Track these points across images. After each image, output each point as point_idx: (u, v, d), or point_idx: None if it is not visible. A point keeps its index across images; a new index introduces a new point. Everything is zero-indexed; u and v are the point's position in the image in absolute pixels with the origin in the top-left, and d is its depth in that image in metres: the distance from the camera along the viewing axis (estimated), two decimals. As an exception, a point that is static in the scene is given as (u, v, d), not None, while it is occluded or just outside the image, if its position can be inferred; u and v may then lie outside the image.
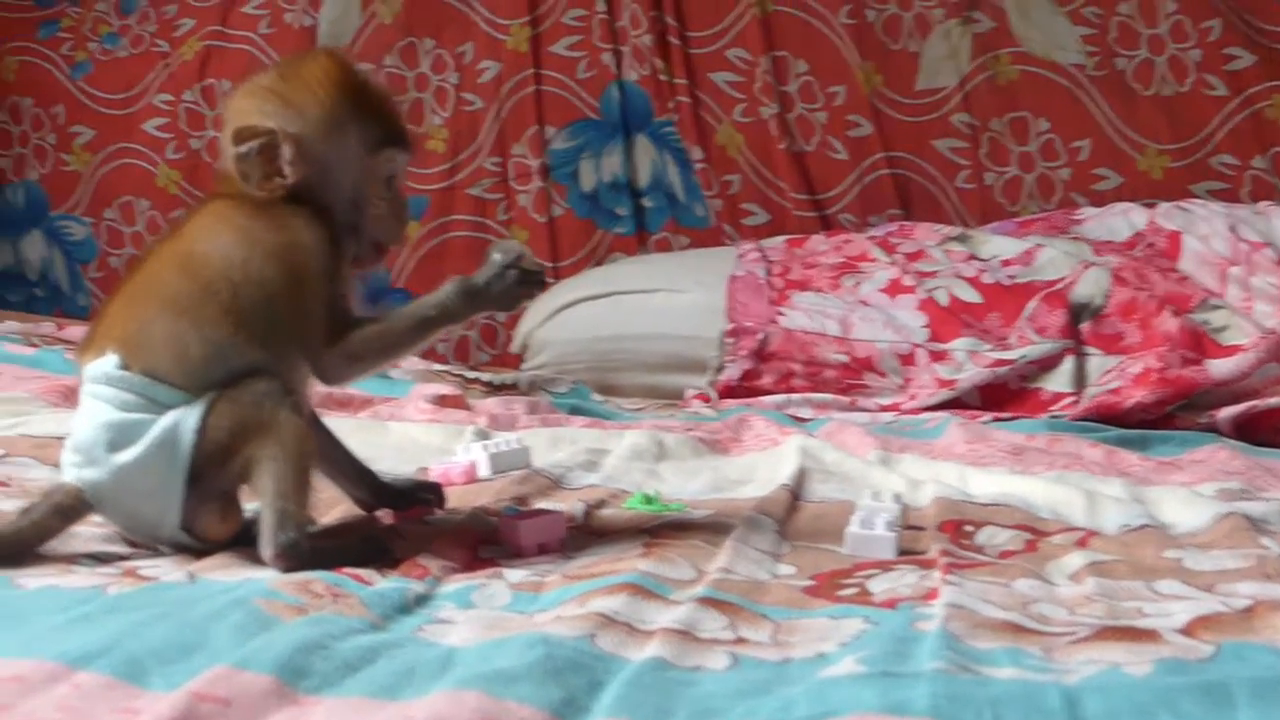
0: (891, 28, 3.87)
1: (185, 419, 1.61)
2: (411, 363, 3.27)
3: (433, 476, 2.13)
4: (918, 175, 3.85)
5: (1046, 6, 3.79)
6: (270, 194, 1.67)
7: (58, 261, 4.32)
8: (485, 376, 3.21)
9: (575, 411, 2.90)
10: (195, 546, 1.65)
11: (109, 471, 1.62)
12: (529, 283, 1.72)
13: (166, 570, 1.58)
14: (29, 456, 2.13)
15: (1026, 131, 3.80)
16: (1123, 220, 3.46)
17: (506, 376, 3.24)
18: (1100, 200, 3.68)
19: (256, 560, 1.61)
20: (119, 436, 1.61)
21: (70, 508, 1.64)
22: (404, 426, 2.56)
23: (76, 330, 3.57)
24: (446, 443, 2.41)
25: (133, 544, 1.69)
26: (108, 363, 1.64)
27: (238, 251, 1.64)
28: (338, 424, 2.40)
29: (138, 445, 1.61)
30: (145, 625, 1.34)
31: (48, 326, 3.69)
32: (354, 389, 2.83)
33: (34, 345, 3.24)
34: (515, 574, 1.61)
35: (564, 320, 3.52)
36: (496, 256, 1.70)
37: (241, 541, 1.66)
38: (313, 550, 1.59)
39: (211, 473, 1.62)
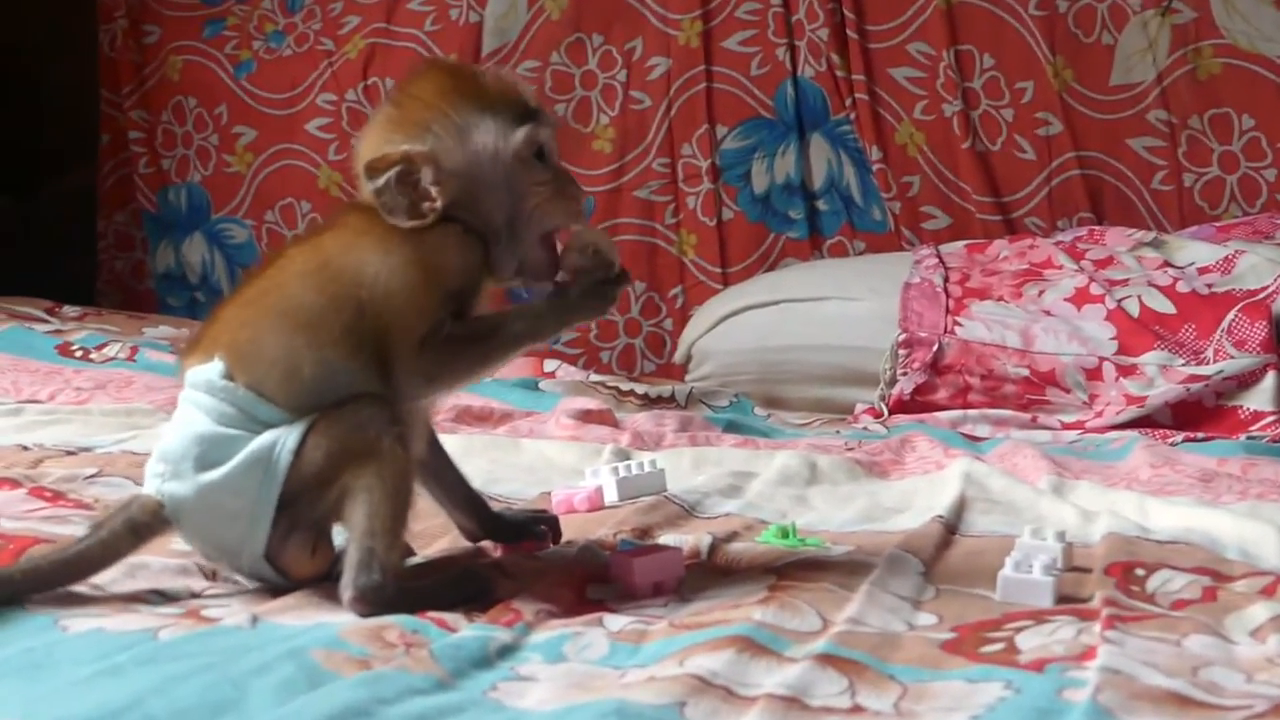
0: (1084, 19, 3.68)
1: (284, 439, 1.48)
2: (566, 371, 3.15)
3: (555, 502, 2.00)
4: (1111, 176, 3.66)
5: (1253, -6, 3.56)
6: (423, 221, 1.54)
7: (219, 265, 4.25)
8: (641, 388, 3.07)
9: (731, 427, 2.75)
10: (276, 582, 1.52)
11: (194, 488, 1.49)
12: (618, 283, 1.59)
13: (233, 611, 1.44)
14: (124, 476, 2.03)
15: (1229, 129, 3.58)
16: (1333, 224, 3.25)
17: (664, 389, 3.09)
18: (1310, 203, 3.47)
19: (336, 600, 1.46)
20: (210, 451, 1.49)
21: (145, 525, 1.51)
22: (539, 444, 2.42)
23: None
24: (582, 462, 2.28)
25: (209, 574, 1.56)
26: (212, 369, 1.51)
27: (372, 264, 1.52)
28: (469, 441, 2.33)
29: (229, 463, 1.48)
30: (179, 680, 1.22)
31: (201, 331, 3.60)
32: (495, 401, 2.72)
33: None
34: (618, 621, 1.45)
35: (730, 329, 3.38)
36: (578, 259, 1.57)
37: (329, 578, 1.52)
38: (398, 594, 1.45)
39: (305, 501, 1.49)
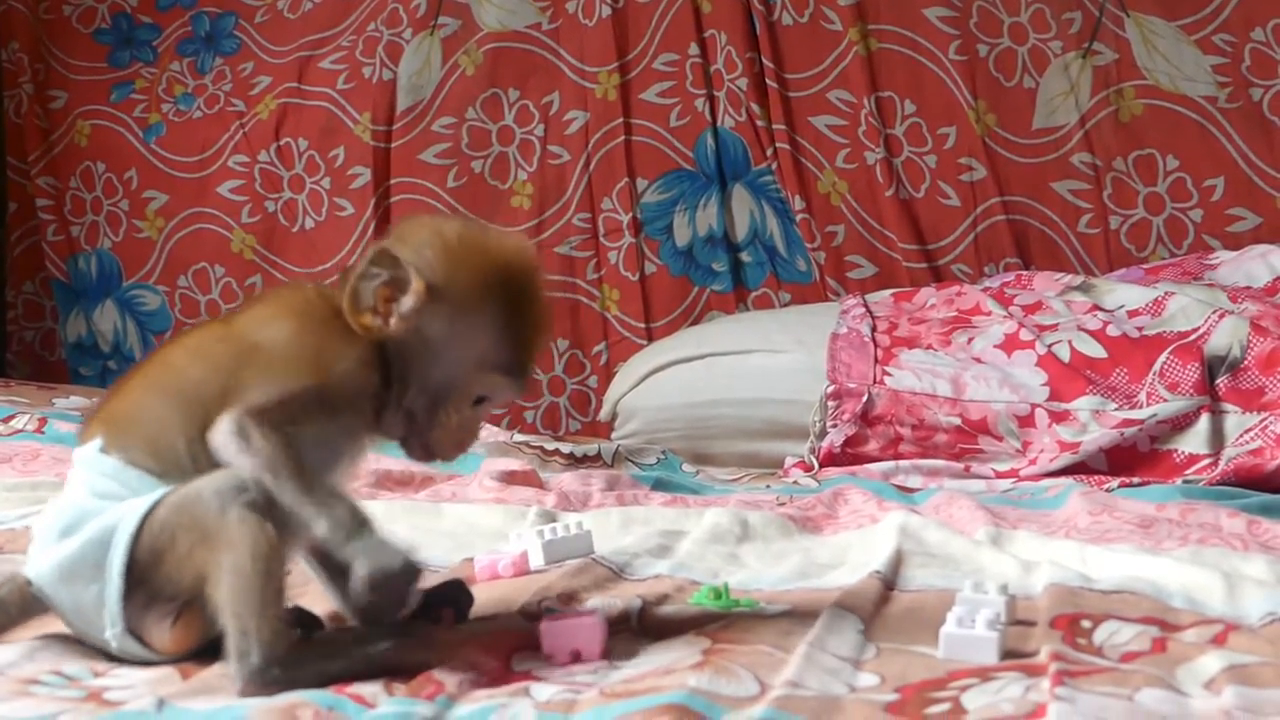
0: (1005, 63, 3.67)
1: (128, 515, 1.41)
2: (489, 432, 3.08)
3: (478, 568, 1.92)
4: (1036, 221, 3.65)
5: (1173, 35, 3.57)
6: (362, 329, 1.48)
7: (131, 333, 4.19)
8: (567, 448, 3.01)
9: (659, 486, 2.69)
10: (147, 658, 1.44)
11: (53, 561, 1.44)
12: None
13: (138, 693, 1.36)
14: (25, 552, 1.92)
15: (1154, 170, 3.57)
16: (1261, 264, 3.25)
17: (590, 447, 3.03)
18: (1236, 243, 3.47)
19: (246, 679, 1.38)
20: (72, 523, 1.44)
21: (12, 604, 1.47)
22: (462, 508, 2.35)
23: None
24: (507, 526, 2.21)
25: (111, 656, 1.48)
26: (93, 444, 1.47)
27: (272, 333, 1.47)
28: (390, 506, 2.26)
29: (81, 535, 1.43)
30: (75, 770, 1.13)
31: (113, 401, 3.52)
32: (417, 465, 2.64)
33: (89, 422, 3.08)
34: (546, 690, 1.38)
35: (656, 385, 3.33)
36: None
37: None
38: (291, 675, 1.36)
39: (159, 577, 1.41)
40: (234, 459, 1.41)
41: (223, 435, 1.41)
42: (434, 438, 1.53)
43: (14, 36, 4.29)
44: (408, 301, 1.47)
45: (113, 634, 1.43)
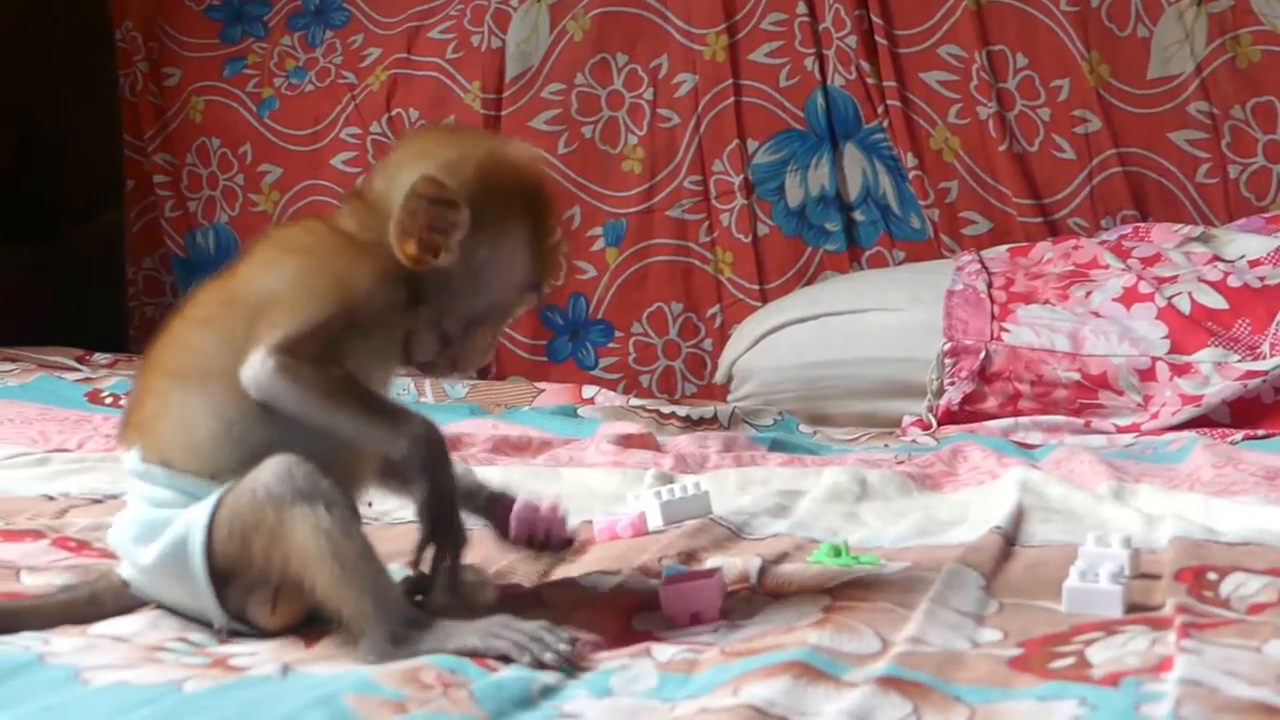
0: (1118, 13, 3.61)
1: (194, 524, 1.41)
2: (605, 397, 3.09)
3: (597, 530, 1.94)
4: (1153, 172, 3.58)
5: (1289, -21, 3.49)
6: (410, 261, 1.44)
7: (249, 307, 4.19)
8: (683, 411, 3.02)
9: (776, 446, 2.68)
10: (256, 635, 1.45)
11: (139, 571, 1.48)
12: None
13: (262, 660, 1.37)
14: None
15: (1273, 117, 3.50)
16: (1386, 210, 3.17)
17: (706, 410, 3.03)
18: (1361, 189, 3.39)
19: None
20: (144, 533, 1.46)
21: (105, 598, 1.51)
22: (580, 472, 2.36)
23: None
24: (624, 489, 2.21)
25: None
26: (133, 454, 1.48)
27: (280, 272, 1.45)
28: (507, 472, 2.26)
29: (155, 546, 1.44)
30: (203, 735, 1.14)
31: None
32: (533, 430, 2.66)
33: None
34: (667, 650, 1.38)
35: (770, 346, 3.32)
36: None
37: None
38: (418, 638, 1.36)
39: (243, 575, 1.42)
40: (278, 396, 1.40)
41: (265, 373, 1.39)
42: (464, 352, 1.52)
43: (128, 16, 4.33)
44: (457, 234, 1.45)
45: (219, 623, 1.44)
